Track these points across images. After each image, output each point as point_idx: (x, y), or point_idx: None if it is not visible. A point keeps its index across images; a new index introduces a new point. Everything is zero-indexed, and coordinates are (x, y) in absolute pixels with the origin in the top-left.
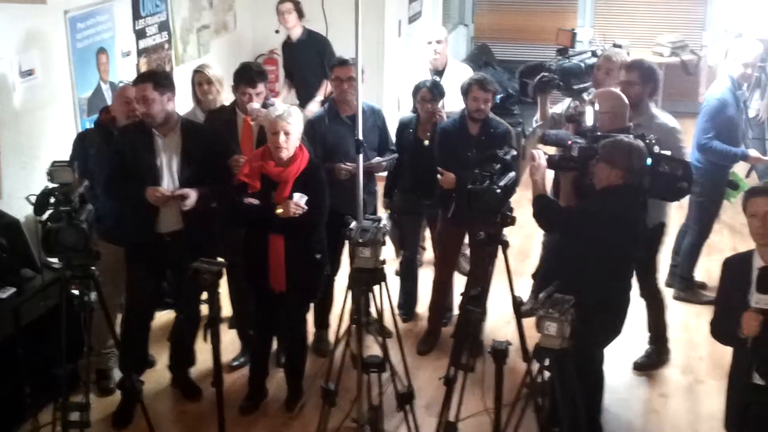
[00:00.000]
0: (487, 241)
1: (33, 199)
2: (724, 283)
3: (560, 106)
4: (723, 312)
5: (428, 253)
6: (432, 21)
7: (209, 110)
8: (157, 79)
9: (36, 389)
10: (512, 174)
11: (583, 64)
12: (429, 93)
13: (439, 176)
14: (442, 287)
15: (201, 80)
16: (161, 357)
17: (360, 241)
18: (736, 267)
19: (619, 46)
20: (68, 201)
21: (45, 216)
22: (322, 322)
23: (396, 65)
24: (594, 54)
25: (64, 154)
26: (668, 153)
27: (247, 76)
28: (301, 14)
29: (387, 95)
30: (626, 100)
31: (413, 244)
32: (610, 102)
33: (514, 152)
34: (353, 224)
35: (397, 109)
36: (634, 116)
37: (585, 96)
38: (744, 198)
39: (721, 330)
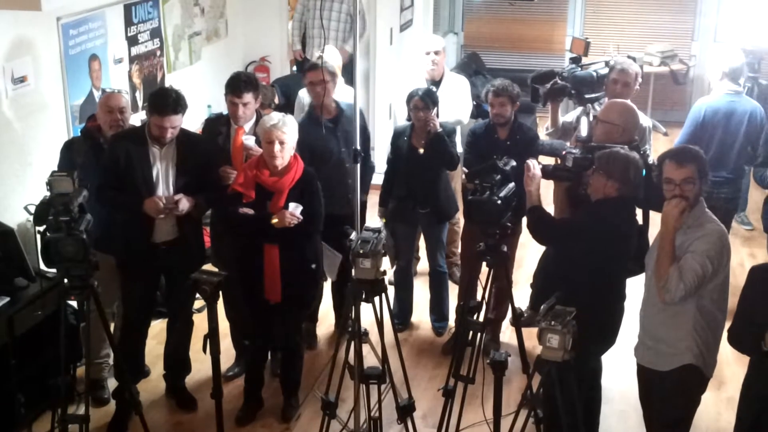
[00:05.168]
0: (486, 252)
1: (32, 208)
2: (749, 292)
3: (571, 114)
4: (746, 321)
5: (422, 263)
6: (423, 29)
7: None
8: (181, 108)
9: (30, 399)
10: (512, 185)
11: (595, 74)
12: (421, 101)
13: (463, 176)
14: (468, 287)
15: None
16: (155, 367)
17: (360, 251)
18: (763, 277)
19: (633, 58)
20: (68, 211)
21: (44, 226)
22: (311, 316)
23: (388, 73)
24: (607, 64)
25: (56, 162)
26: None
27: (233, 84)
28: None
29: (379, 103)
30: (638, 116)
31: (408, 253)
32: (623, 116)
33: (514, 162)
34: (353, 235)
35: (389, 118)
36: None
37: (597, 106)
38: None
39: (743, 339)
